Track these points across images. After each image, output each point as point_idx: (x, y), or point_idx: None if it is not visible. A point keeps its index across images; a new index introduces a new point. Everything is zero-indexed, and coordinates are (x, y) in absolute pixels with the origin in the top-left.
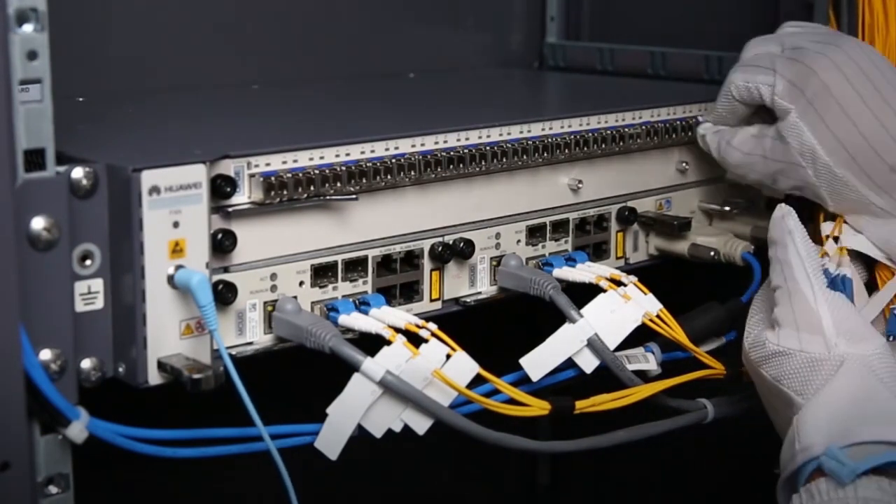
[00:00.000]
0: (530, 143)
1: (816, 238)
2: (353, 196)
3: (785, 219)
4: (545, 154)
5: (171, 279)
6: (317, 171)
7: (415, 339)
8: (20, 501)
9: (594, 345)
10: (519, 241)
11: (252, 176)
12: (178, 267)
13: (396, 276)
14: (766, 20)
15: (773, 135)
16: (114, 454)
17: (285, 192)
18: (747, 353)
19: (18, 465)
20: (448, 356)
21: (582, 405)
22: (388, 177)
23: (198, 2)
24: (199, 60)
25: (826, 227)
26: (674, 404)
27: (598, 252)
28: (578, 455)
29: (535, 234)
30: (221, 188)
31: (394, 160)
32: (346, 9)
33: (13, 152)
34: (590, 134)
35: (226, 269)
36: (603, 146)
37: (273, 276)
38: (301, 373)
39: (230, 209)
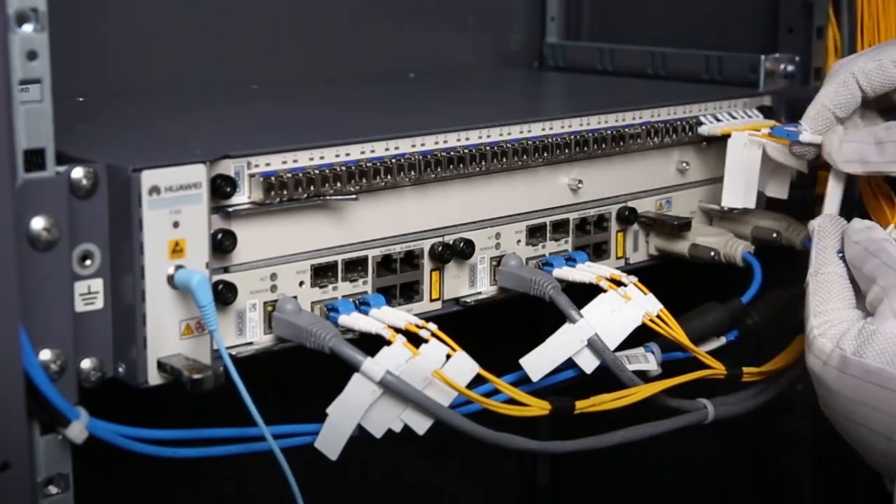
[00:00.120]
0: (530, 143)
1: None
2: (353, 196)
3: (873, 229)
4: (545, 154)
5: (171, 279)
6: (317, 171)
7: (415, 340)
8: (20, 501)
9: (594, 345)
10: (519, 241)
11: (252, 176)
12: (178, 267)
13: (396, 276)
14: (767, 20)
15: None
16: (114, 454)
17: (285, 192)
18: (828, 348)
19: (18, 465)
20: (448, 356)
21: (582, 405)
22: (388, 177)
23: (198, 2)
24: (199, 60)
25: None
26: (674, 404)
27: (598, 252)
28: (578, 455)
29: (535, 234)
30: (221, 188)
31: (394, 160)
32: (346, 9)
33: (13, 152)
34: (590, 134)
35: (226, 269)
36: (603, 146)
37: (273, 276)
38: (301, 373)
39: (230, 209)
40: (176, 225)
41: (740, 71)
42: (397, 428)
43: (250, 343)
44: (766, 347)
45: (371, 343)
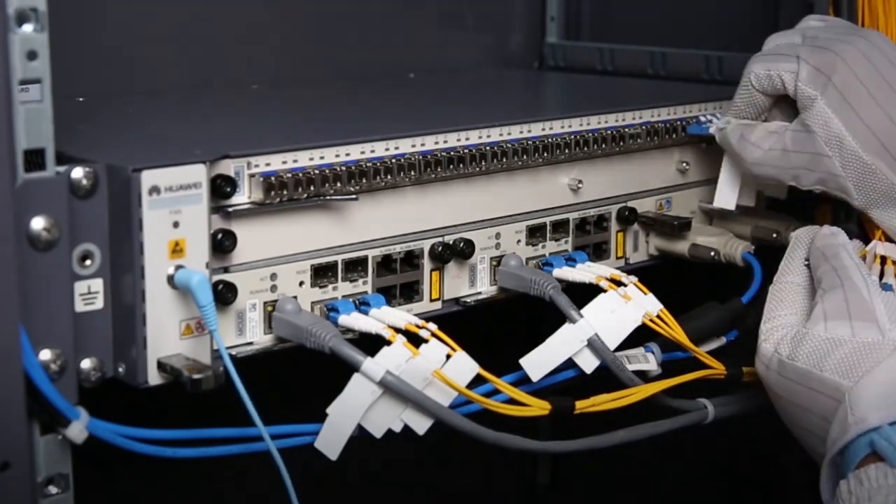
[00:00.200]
0: (530, 143)
1: None
2: (353, 196)
3: (836, 235)
4: (545, 154)
5: (171, 279)
6: (317, 171)
7: (415, 340)
8: (20, 501)
9: (594, 345)
10: (519, 241)
11: (252, 176)
12: (178, 267)
13: (396, 276)
14: (767, 20)
15: (796, 127)
16: (114, 454)
17: (285, 192)
18: (772, 352)
19: (18, 465)
20: (448, 356)
21: (582, 405)
22: (388, 177)
23: (198, 2)
24: (199, 60)
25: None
26: (674, 404)
27: (598, 252)
28: (578, 455)
29: (535, 234)
30: (221, 188)
31: (394, 160)
32: (346, 9)
33: (13, 152)
34: (590, 134)
35: (226, 269)
36: (603, 146)
37: (273, 276)
38: (301, 373)
39: (230, 209)
40: (176, 225)
41: (740, 71)
42: (397, 428)
43: (250, 343)
44: None
45: (371, 343)
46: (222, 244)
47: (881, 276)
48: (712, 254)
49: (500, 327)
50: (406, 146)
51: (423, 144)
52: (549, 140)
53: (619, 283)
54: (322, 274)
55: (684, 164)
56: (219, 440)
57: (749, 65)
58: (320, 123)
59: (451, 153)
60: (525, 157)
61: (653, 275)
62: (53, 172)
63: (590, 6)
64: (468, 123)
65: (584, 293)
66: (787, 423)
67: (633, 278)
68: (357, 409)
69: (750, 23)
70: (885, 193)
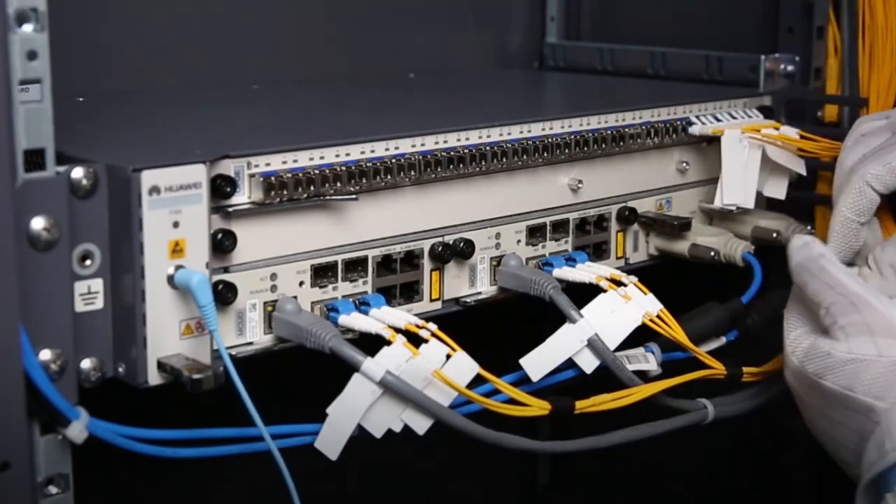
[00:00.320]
0: (530, 143)
1: None
2: (353, 196)
3: (809, 246)
4: (545, 154)
5: (171, 279)
6: (317, 171)
7: (415, 340)
8: (20, 501)
9: (594, 345)
10: (519, 241)
11: (252, 176)
12: (178, 267)
13: (396, 276)
14: (767, 20)
15: None
16: (114, 454)
17: (285, 192)
18: (800, 366)
19: (18, 465)
20: (448, 356)
21: (582, 405)
22: (388, 177)
23: (198, 2)
24: (198, 60)
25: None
26: (674, 404)
27: (598, 252)
28: (578, 455)
29: (535, 234)
30: (221, 188)
31: (394, 160)
32: (346, 9)
33: (13, 152)
34: (590, 134)
35: (226, 269)
36: (603, 146)
37: (273, 276)
38: (301, 373)
39: (230, 209)
40: (176, 225)
41: (740, 71)
42: (397, 428)
43: (250, 343)
44: (766, 347)
45: (371, 343)
46: (222, 244)
47: None
48: (712, 254)
49: (500, 327)
50: (406, 146)
51: (423, 144)
52: (549, 140)
53: (619, 283)
54: (322, 274)
55: (684, 164)
56: (219, 440)
57: (854, 171)
58: (320, 123)
59: (451, 153)
60: (525, 157)
61: (653, 275)
62: (53, 172)
63: (590, 6)
64: (468, 123)
65: (584, 293)
66: (815, 433)
67: (633, 278)
68: (357, 409)
69: (750, 23)
70: None
